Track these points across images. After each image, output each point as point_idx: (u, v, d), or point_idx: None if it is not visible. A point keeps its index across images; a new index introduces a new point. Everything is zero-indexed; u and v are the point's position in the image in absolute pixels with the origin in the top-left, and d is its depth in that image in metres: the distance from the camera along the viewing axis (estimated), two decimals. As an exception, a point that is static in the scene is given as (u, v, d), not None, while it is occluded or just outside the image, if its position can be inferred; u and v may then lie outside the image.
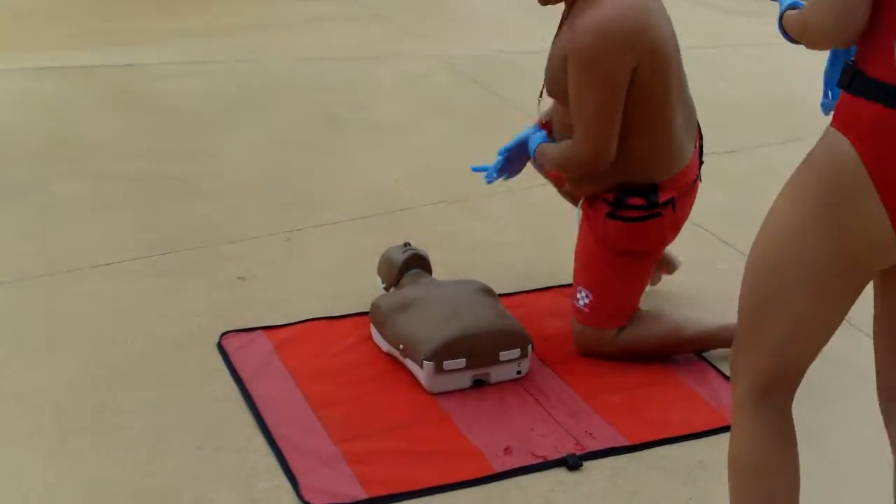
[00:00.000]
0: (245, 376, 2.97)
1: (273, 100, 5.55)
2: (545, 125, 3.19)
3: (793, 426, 2.02)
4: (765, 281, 1.92)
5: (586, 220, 3.14)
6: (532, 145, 3.15)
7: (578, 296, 3.14)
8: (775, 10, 2.37)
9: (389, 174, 4.56)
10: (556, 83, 3.00)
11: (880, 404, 2.14)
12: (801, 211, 1.85)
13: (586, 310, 3.13)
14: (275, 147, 4.86)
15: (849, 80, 1.79)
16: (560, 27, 3.03)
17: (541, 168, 3.34)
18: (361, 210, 4.16)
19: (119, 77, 5.83)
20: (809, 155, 1.87)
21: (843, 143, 1.79)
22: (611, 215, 3.03)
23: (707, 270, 3.65)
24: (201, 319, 3.28)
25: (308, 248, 3.82)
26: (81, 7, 7.51)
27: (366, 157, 4.77)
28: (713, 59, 6.67)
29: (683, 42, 3.03)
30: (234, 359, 3.05)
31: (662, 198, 3.02)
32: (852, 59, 1.81)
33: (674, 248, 3.83)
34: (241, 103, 5.46)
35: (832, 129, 1.82)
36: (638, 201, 3.01)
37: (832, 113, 1.90)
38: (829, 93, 2.10)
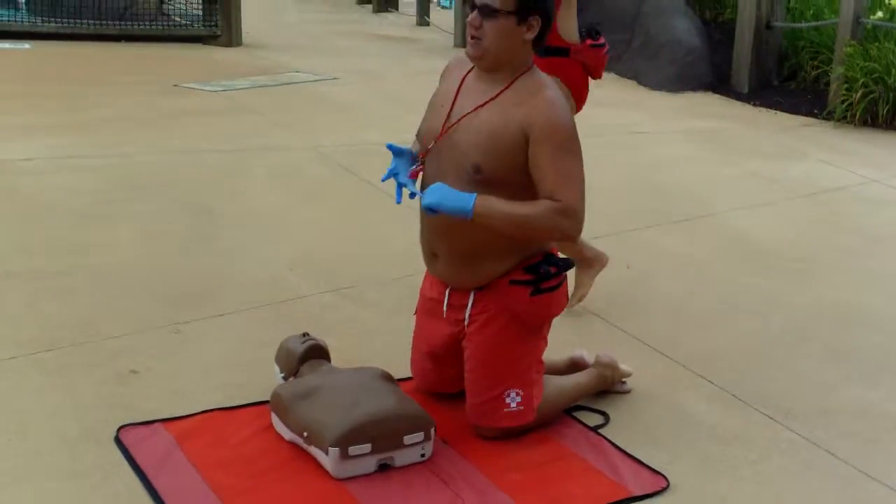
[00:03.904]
0: (148, 470, 2.90)
1: (144, 194, 5.49)
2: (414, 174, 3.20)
3: None
4: None
5: (485, 325, 3.15)
6: (465, 204, 2.92)
7: (507, 401, 3.15)
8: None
9: (272, 265, 4.56)
10: (502, 154, 2.96)
11: None
12: None
13: (521, 407, 3.16)
14: (150, 241, 4.81)
15: None
16: (489, 99, 3.02)
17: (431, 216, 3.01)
18: (248, 301, 4.15)
19: (-18, 173, 5.70)
20: None
21: None
22: (536, 292, 3.12)
23: (585, 345, 3.74)
24: (95, 415, 3.21)
25: (199, 341, 3.78)
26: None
27: (246, 249, 4.76)
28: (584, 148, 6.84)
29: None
30: (134, 452, 2.99)
31: (563, 260, 3.20)
32: None
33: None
34: (112, 198, 5.39)
35: None
36: (553, 269, 3.15)
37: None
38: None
